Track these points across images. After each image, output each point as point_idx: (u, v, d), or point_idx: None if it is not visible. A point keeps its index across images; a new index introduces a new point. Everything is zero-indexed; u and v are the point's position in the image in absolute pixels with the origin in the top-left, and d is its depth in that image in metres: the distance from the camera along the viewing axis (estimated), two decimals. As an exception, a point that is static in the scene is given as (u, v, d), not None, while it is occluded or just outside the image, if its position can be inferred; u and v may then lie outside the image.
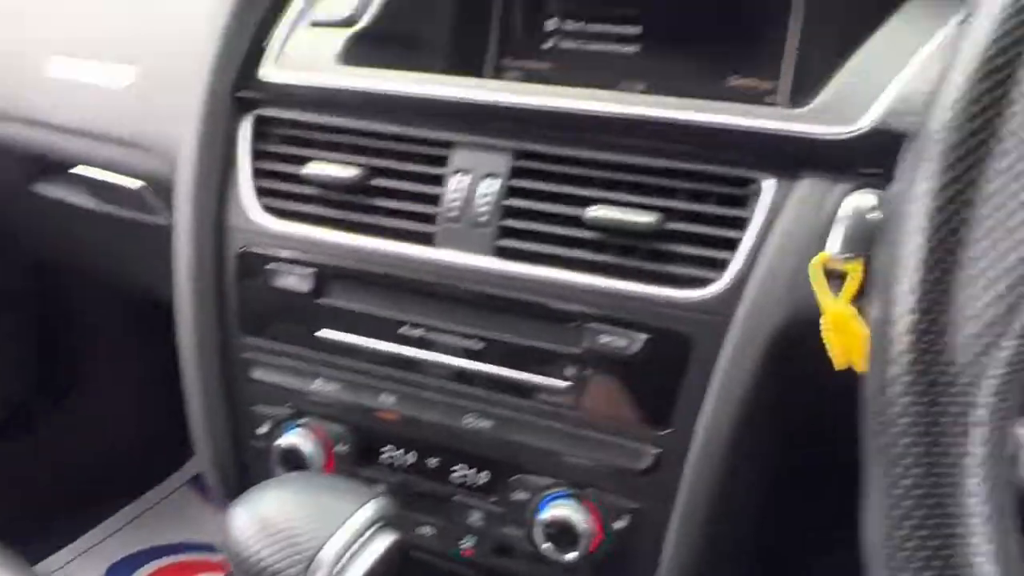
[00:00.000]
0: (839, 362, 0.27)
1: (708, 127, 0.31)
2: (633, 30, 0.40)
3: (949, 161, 0.15)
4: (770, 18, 0.38)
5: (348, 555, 0.28)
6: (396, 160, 0.36)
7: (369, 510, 0.30)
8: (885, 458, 0.15)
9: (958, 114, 0.15)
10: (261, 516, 0.30)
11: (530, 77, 0.42)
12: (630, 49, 0.40)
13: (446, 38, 0.42)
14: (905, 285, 0.15)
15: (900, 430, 0.15)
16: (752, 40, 0.39)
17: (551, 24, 0.42)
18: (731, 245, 0.30)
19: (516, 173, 0.34)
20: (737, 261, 0.30)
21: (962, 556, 0.14)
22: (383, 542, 0.29)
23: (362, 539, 0.29)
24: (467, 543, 0.38)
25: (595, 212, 0.32)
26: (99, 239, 0.59)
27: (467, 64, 0.43)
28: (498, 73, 0.43)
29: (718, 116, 0.31)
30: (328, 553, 0.28)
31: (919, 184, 0.16)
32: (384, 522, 0.30)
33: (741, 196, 0.31)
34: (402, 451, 0.38)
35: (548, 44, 0.42)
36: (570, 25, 0.42)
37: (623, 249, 0.33)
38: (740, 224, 0.30)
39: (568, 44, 0.42)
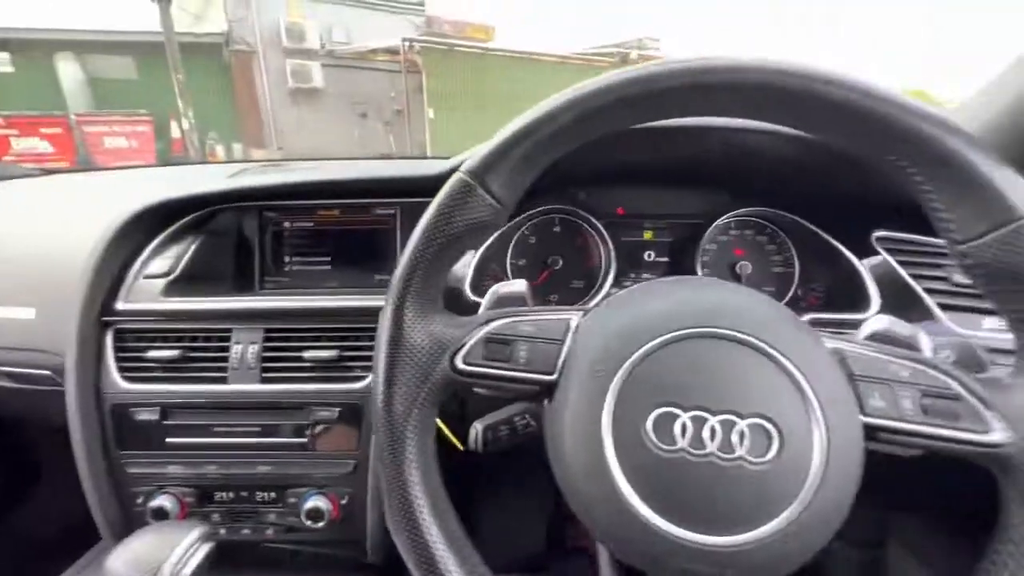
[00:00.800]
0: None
1: (358, 308, 0.72)
2: (327, 259, 0.81)
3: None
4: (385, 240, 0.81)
5: (181, 564, 0.49)
6: (201, 342, 0.71)
7: (193, 535, 0.52)
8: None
9: None
10: (129, 549, 0.50)
11: (280, 287, 0.81)
12: (326, 268, 0.81)
13: (231, 274, 0.79)
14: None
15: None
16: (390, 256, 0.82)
17: (287, 259, 0.82)
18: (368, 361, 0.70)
19: (267, 339, 0.70)
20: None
21: None
22: (203, 552, 0.51)
23: (189, 552, 0.50)
24: (269, 531, 0.70)
25: (308, 354, 0.70)
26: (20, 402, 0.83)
27: (245, 286, 0.80)
28: (263, 286, 0.81)
29: (363, 301, 0.72)
30: (167, 565, 0.48)
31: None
32: (203, 540, 0.52)
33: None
34: (226, 492, 0.70)
35: (287, 268, 0.82)
36: (297, 259, 0.82)
37: (325, 368, 0.71)
38: None
39: (298, 267, 0.82)
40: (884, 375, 0.38)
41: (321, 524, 0.68)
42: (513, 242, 0.81)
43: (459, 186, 0.41)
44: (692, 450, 0.35)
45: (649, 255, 0.79)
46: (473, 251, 0.73)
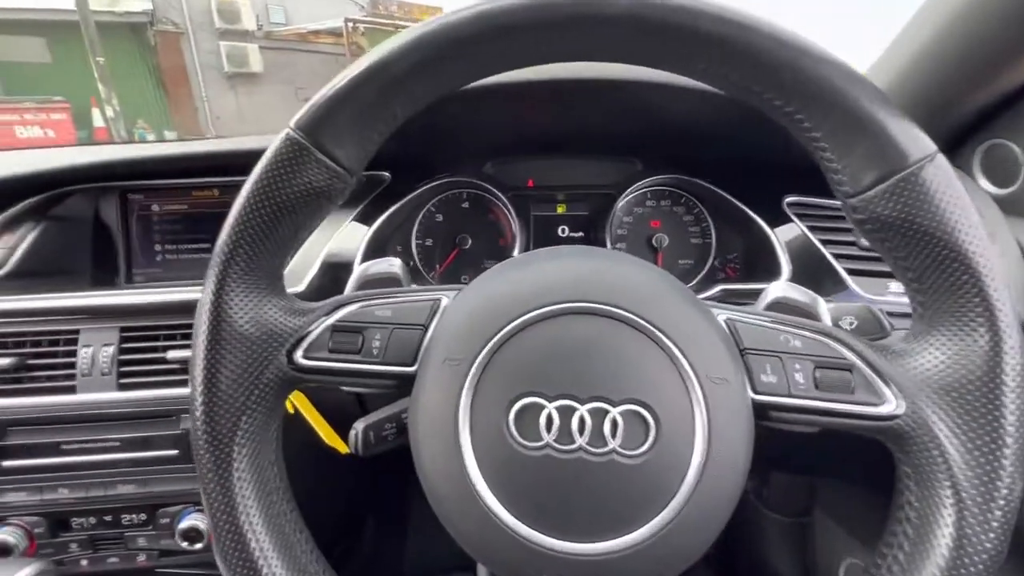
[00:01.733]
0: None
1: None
2: (205, 246, 0.72)
3: None
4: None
5: None
6: (44, 346, 0.60)
7: (28, 572, 0.49)
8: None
9: None
10: None
11: (151, 280, 0.71)
12: (206, 256, 0.72)
13: (88, 267, 0.69)
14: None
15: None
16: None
17: (158, 248, 0.72)
18: None
19: (124, 340, 0.61)
20: None
21: None
22: None
23: None
24: (141, 557, 0.62)
25: (172, 354, 0.61)
26: None
27: (107, 280, 0.69)
28: (131, 280, 0.71)
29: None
30: None
31: None
32: None
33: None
34: (86, 519, 0.61)
35: (159, 258, 0.72)
36: (170, 247, 0.72)
37: (186, 370, 0.62)
38: None
39: (172, 257, 0.72)
40: (776, 347, 0.34)
41: (200, 545, 0.61)
42: (418, 220, 0.74)
43: (288, 145, 0.34)
44: (558, 445, 0.30)
45: (563, 230, 0.74)
46: (366, 227, 0.66)
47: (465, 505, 0.31)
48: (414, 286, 0.42)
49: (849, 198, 0.33)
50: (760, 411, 0.33)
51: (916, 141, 0.30)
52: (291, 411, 0.53)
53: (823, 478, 0.94)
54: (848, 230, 0.61)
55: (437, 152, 0.70)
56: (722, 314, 0.36)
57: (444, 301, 0.37)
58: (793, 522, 0.98)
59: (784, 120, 0.33)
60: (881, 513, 0.84)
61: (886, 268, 0.59)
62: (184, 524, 0.61)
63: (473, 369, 0.32)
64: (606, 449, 0.30)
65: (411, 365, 0.35)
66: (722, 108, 0.57)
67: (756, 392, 0.33)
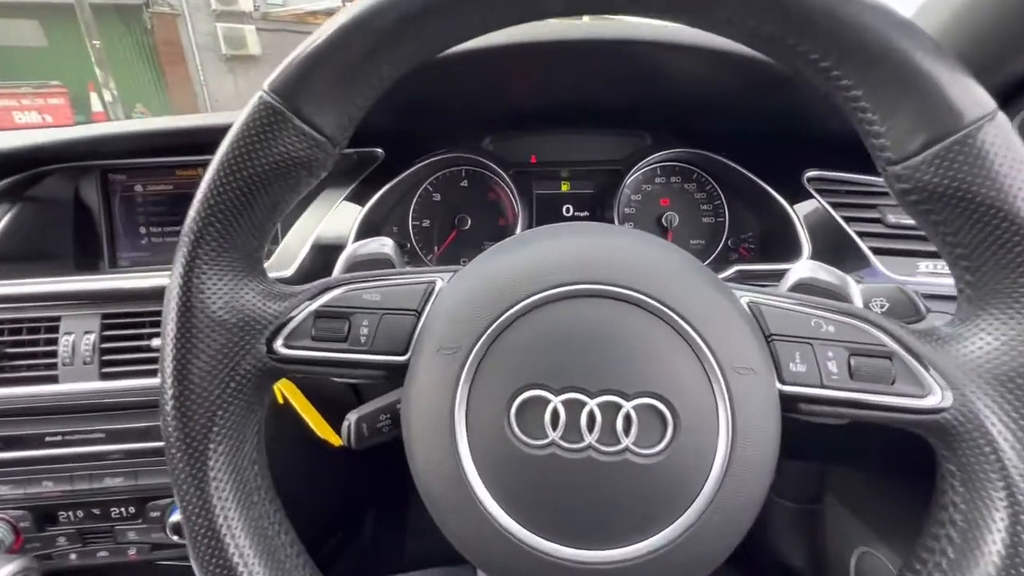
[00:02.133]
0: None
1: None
2: None
3: None
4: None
5: None
6: (24, 334, 0.58)
7: (8, 571, 0.46)
8: None
9: None
10: None
11: (137, 264, 0.67)
12: None
13: (70, 251, 0.65)
14: None
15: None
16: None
17: (143, 231, 0.68)
18: None
19: (105, 327, 0.58)
20: None
21: None
22: None
23: None
24: (132, 551, 0.60)
25: (157, 341, 0.58)
26: None
27: (91, 265, 0.66)
28: (115, 264, 0.68)
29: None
30: None
31: None
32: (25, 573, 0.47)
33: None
34: (72, 512, 0.59)
35: (145, 241, 0.68)
36: (155, 230, 0.68)
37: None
38: None
39: (158, 240, 0.68)
40: (806, 332, 0.31)
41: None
42: (414, 200, 0.70)
43: (262, 111, 0.30)
44: (565, 443, 0.27)
45: (568, 209, 0.70)
46: (359, 207, 0.62)
47: (462, 508, 0.28)
48: (407, 268, 0.38)
49: (892, 165, 0.29)
50: (788, 403, 0.30)
51: (974, 97, 0.26)
52: (280, 401, 0.51)
53: (835, 465, 0.91)
54: (873, 207, 0.56)
55: (433, 126, 0.66)
56: (744, 296, 0.32)
57: (439, 284, 0.34)
58: (803, 509, 0.95)
59: (818, 78, 0.29)
60: (896, 502, 0.80)
61: (915, 247, 0.55)
62: (175, 517, 0.58)
63: (470, 359, 0.29)
64: (619, 447, 0.27)
65: (403, 354, 0.32)
66: (738, 72, 0.53)
67: (784, 383, 0.30)
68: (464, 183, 0.70)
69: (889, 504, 0.81)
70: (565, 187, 0.70)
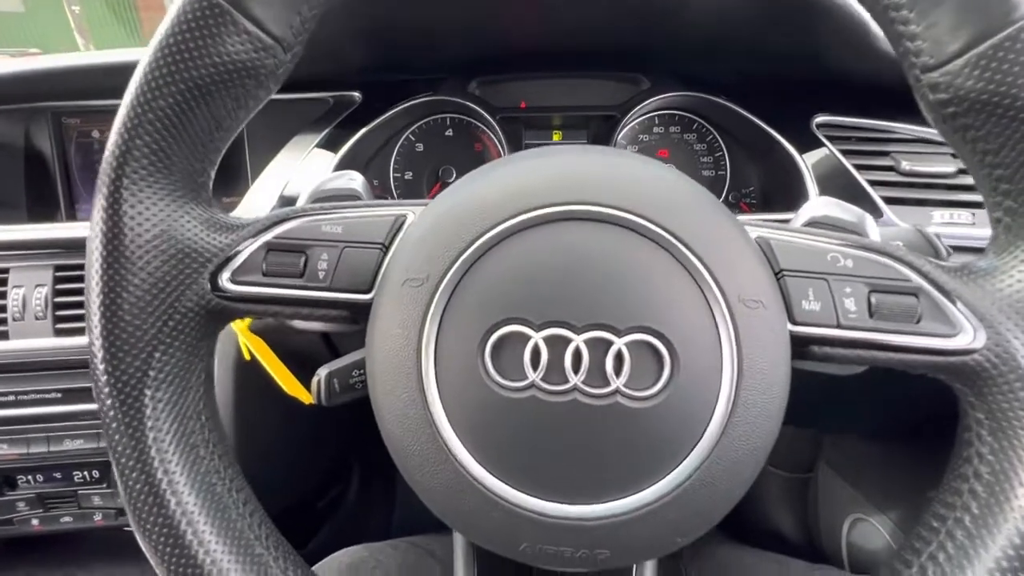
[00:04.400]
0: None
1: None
2: None
3: None
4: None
5: None
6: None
7: None
8: None
9: None
10: None
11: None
12: None
13: (22, 200, 0.60)
14: None
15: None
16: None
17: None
18: None
19: (58, 280, 0.54)
20: None
21: None
22: None
23: None
24: (97, 516, 0.57)
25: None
26: None
27: (46, 214, 0.61)
28: (74, 217, 0.63)
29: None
30: None
31: None
32: None
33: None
34: (31, 476, 0.56)
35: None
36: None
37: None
38: None
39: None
40: (821, 268, 0.27)
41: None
42: (395, 150, 0.65)
43: (195, 4, 0.26)
44: (548, 385, 0.24)
45: (560, 160, 0.66)
46: (333, 155, 0.58)
47: (431, 459, 0.25)
48: (375, 200, 0.34)
49: (928, 72, 0.25)
50: (799, 345, 0.27)
51: None
52: (247, 357, 0.47)
53: (827, 432, 0.89)
54: (886, 154, 0.53)
55: (414, 67, 0.61)
56: (752, 231, 0.28)
57: (410, 217, 0.30)
58: (795, 478, 0.94)
59: None
60: (890, 468, 0.79)
61: (929, 195, 0.51)
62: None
63: (440, 290, 0.25)
64: (608, 389, 0.24)
65: (367, 292, 0.28)
66: (744, 6, 0.48)
67: (795, 322, 0.26)
68: (449, 132, 0.66)
69: (882, 471, 0.80)
70: (557, 136, 0.65)
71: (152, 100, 0.26)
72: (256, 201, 0.58)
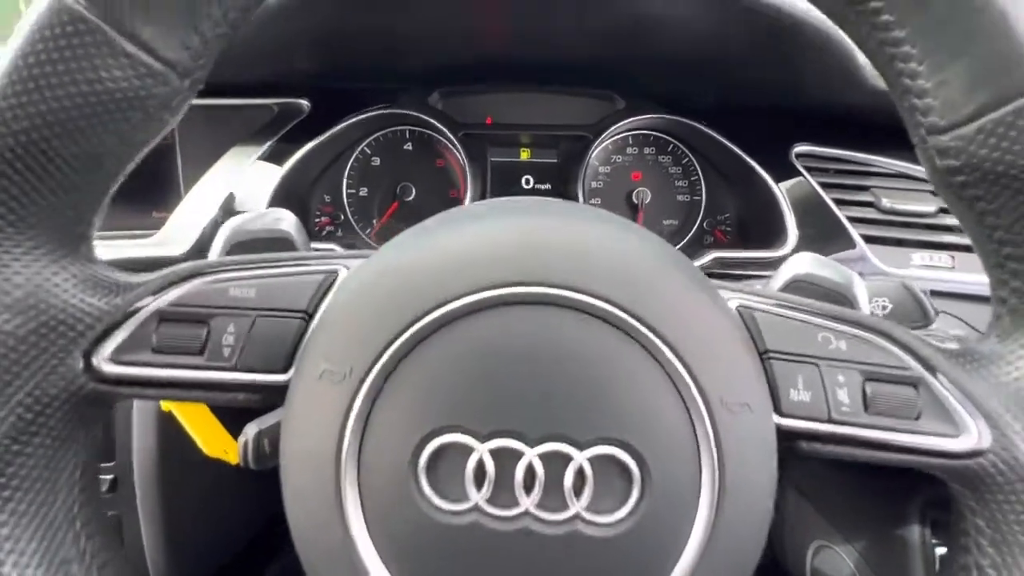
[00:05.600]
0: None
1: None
2: None
3: None
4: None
5: None
6: None
7: None
8: None
9: None
10: None
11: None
12: None
13: None
14: None
15: None
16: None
17: None
18: None
19: None
20: None
21: None
22: None
23: None
24: None
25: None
26: None
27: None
28: None
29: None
30: None
31: None
32: None
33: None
34: None
35: None
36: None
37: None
38: None
39: None
40: (811, 351, 0.24)
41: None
42: (349, 164, 0.60)
43: (60, 16, 0.20)
44: (493, 509, 0.20)
45: (527, 180, 0.61)
46: (277, 167, 0.52)
47: None
48: (301, 252, 0.29)
49: (937, 135, 0.22)
50: (785, 439, 0.23)
51: None
52: (165, 409, 0.42)
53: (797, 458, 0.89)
54: (866, 188, 0.50)
55: (370, 75, 0.56)
56: (732, 299, 0.25)
57: (342, 274, 0.25)
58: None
59: (851, 14, 0.22)
60: (855, 494, 0.78)
61: (910, 235, 0.49)
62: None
63: (364, 389, 0.20)
64: (566, 515, 0.20)
65: (283, 371, 0.24)
66: (730, 23, 0.45)
67: (782, 414, 0.23)
68: (408, 146, 0.60)
69: (849, 499, 0.79)
70: (525, 155, 0.61)
71: (4, 134, 0.21)
72: (188, 216, 0.51)
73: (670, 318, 0.21)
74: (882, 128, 0.51)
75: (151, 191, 0.57)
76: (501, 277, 0.21)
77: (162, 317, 0.23)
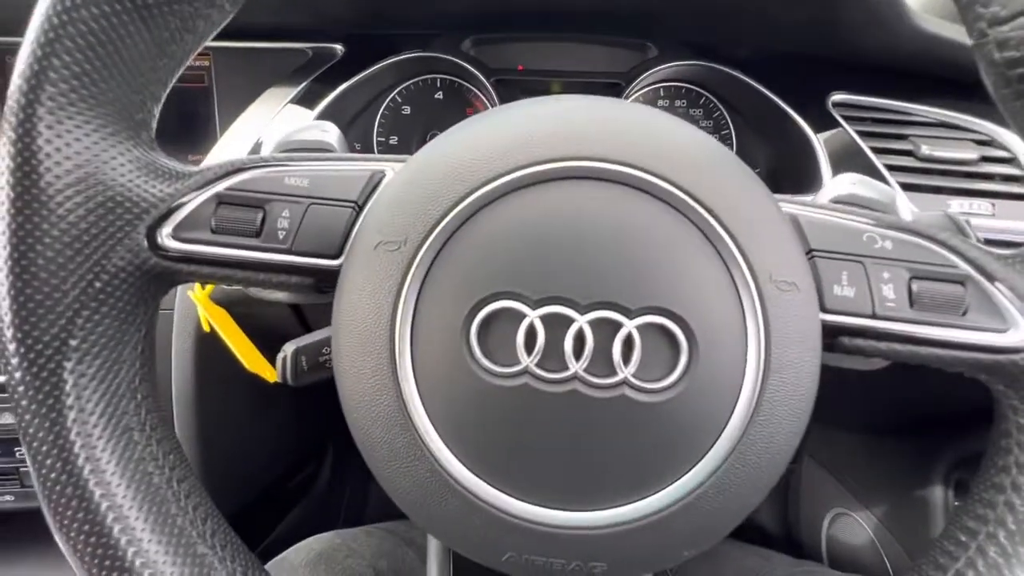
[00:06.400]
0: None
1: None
2: None
3: None
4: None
5: None
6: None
7: None
8: None
9: None
10: None
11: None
12: None
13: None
14: None
15: None
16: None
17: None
18: None
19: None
20: None
21: None
22: None
23: None
24: None
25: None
26: None
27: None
28: None
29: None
30: None
31: None
32: None
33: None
34: None
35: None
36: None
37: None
38: None
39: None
40: (856, 249, 0.24)
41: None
42: (380, 112, 0.60)
43: None
44: (543, 372, 0.20)
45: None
46: (308, 111, 0.53)
47: (403, 454, 0.21)
48: (349, 154, 0.30)
49: (997, 25, 0.21)
50: (828, 335, 0.23)
51: None
52: (206, 329, 0.43)
53: (814, 422, 0.88)
54: (905, 137, 0.50)
55: (403, 20, 0.56)
56: (779, 203, 0.25)
57: (389, 174, 0.25)
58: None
59: None
60: (876, 462, 0.78)
61: (947, 183, 0.49)
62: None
63: (419, 256, 0.21)
64: (614, 379, 0.20)
65: (334, 257, 0.24)
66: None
67: (825, 310, 0.23)
68: (439, 94, 0.61)
69: (867, 465, 0.79)
70: None
71: (75, 9, 0.21)
72: (222, 158, 0.52)
73: (723, 198, 0.21)
74: (922, 76, 0.50)
75: (188, 134, 0.59)
76: (554, 152, 0.21)
77: (220, 200, 0.24)
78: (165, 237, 0.24)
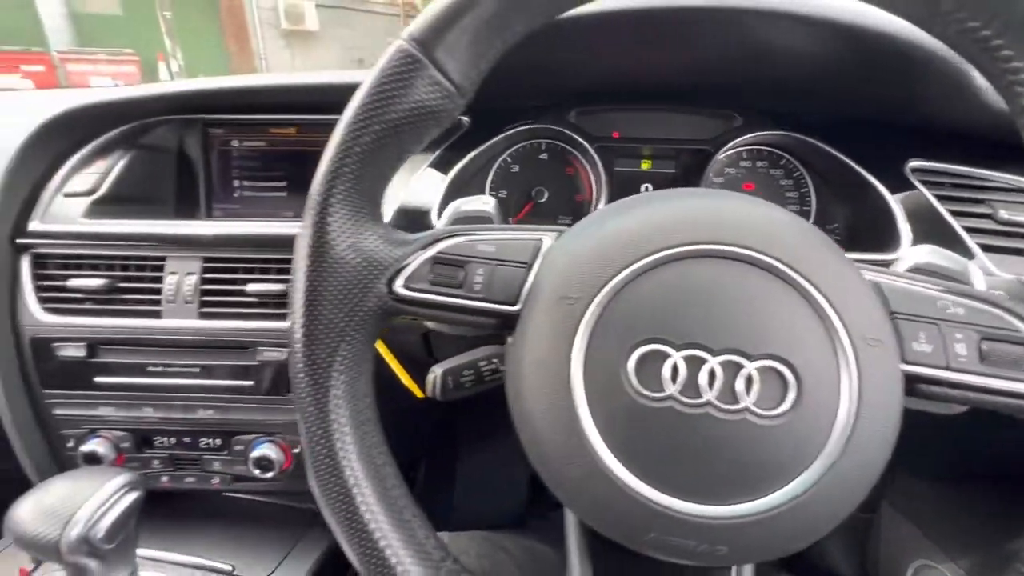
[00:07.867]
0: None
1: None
2: (282, 184, 0.72)
3: None
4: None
5: (100, 513, 0.40)
6: (132, 271, 0.62)
7: (118, 481, 0.42)
8: None
9: None
10: (41, 494, 0.41)
11: (229, 215, 0.71)
12: (281, 194, 0.72)
13: (172, 197, 0.70)
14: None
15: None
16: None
17: (236, 184, 0.72)
18: None
19: (206, 270, 0.62)
20: None
21: None
22: (128, 500, 0.42)
23: (111, 500, 0.41)
24: (215, 480, 0.64)
25: (252, 287, 0.61)
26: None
27: (189, 212, 0.70)
28: (210, 214, 0.72)
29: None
30: (83, 513, 0.39)
31: None
32: (129, 487, 0.43)
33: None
34: (166, 438, 0.63)
35: (237, 194, 0.72)
36: (248, 184, 0.72)
37: (271, 303, 0.62)
38: None
39: (249, 193, 0.72)
40: (931, 313, 0.30)
41: (271, 474, 0.62)
42: (493, 170, 0.71)
43: (402, 58, 0.31)
44: (684, 398, 0.28)
45: (647, 188, 0.69)
46: (442, 175, 0.64)
47: (573, 454, 0.29)
48: (512, 225, 0.39)
49: None
50: (908, 382, 0.29)
51: None
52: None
53: (893, 471, 0.88)
54: (982, 201, 0.54)
55: (521, 97, 0.67)
56: (864, 273, 0.31)
57: (547, 242, 0.34)
58: (855, 516, 0.92)
59: (974, 48, 0.28)
60: (962, 514, 0.76)
61: (1028, 245, 0.52)
62: (256, 453, 0.62)
63: (591, 307, 0.29)
64: (738, 407, 0.27)
65: (514, 304, 0.33)
66: (851, 48, 0.51)
67: (906, 361, 0.29)
68: (543, 156, 0.71)
69: (954, 517, 0.78)
70: (646, 165, 0.69)
71: (358, 136, 0.32)
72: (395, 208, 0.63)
73: (824, 273, 0.28)
74: (999, 144, 0.54)
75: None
76: (698, 237, 0.29)
77: (435, 260, 0.34)
78: (399, 287, 0.34)
